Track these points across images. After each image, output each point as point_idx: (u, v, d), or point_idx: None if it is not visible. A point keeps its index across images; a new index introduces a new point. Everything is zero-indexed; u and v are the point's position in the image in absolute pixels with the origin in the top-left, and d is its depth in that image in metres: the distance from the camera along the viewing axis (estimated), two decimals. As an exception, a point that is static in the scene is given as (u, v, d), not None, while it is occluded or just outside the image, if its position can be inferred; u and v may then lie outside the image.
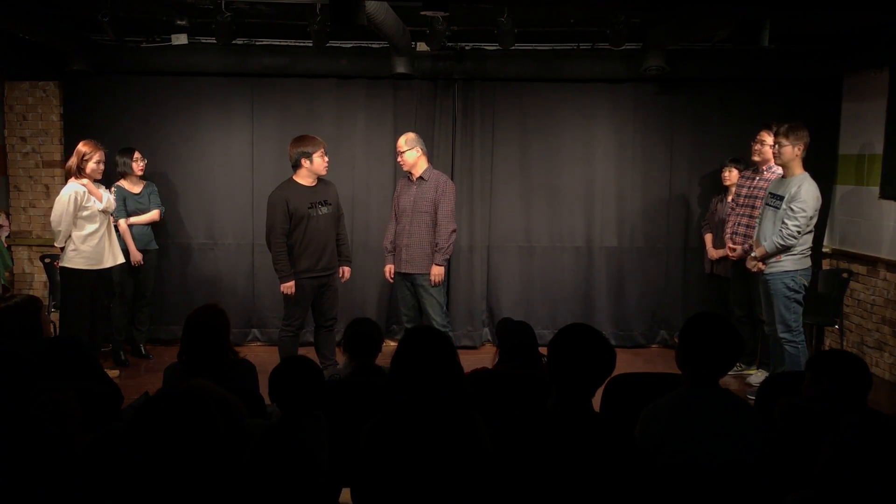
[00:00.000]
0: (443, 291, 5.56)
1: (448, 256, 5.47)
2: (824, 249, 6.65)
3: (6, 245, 6.48)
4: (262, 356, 5.72)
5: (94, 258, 5.40)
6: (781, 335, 5.00)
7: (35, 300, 3.60)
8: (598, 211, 6.75)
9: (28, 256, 6.78)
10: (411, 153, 5.35)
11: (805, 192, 4.89)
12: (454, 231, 5.44)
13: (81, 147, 5.41)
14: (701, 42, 6.01)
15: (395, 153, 5.52)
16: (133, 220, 6.00)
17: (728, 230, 5.79)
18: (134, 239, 5.97)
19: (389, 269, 5.57)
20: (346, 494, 2.80)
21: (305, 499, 2.40)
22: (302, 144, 5.11)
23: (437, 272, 5.36)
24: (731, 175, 6.08)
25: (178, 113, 6.60)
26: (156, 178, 6.42)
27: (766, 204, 5.15)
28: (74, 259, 5.35)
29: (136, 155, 6.03)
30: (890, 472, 1.81)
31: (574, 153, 6.70)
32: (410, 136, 5.44)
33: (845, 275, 6.10)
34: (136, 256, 5.96)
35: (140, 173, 6.07)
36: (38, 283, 6.78)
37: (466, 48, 6.41)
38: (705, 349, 2.57)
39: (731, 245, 5.70)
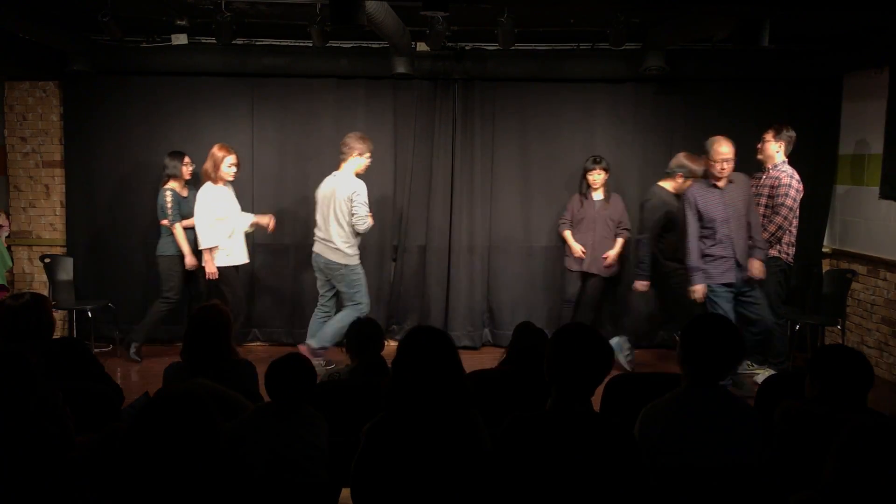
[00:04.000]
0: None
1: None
2: (824, 249, 6.65)
3: (6, 245, 6.48)
4: (262, 356, 5.71)
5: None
6: None
7: (44, 299, 3.57)
8: (599, 211, 6.73)
9: (28, 256, 6.78)
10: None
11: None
12: None
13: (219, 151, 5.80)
14: (701, 42, 6.01)
15: (724, 160, 5.10)
16: (185, 223, 6.00)
17: None
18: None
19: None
20: (346, 494, 2.80)
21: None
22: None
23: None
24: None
25: (178, 113, 6.60)
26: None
27: None
28: (222, 258, 5.87)
29: (187, 159, 6.08)
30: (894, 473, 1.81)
31: (574, 153, 6.68)
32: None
33: (849, 275, 6.07)
34: (192, 261, 5.96)
35: (188, 177, 6.11)
36: (38, 283, 6.78)
37: (466, 48, 6.41)
38: (707, 349, 2.58)
39: None
